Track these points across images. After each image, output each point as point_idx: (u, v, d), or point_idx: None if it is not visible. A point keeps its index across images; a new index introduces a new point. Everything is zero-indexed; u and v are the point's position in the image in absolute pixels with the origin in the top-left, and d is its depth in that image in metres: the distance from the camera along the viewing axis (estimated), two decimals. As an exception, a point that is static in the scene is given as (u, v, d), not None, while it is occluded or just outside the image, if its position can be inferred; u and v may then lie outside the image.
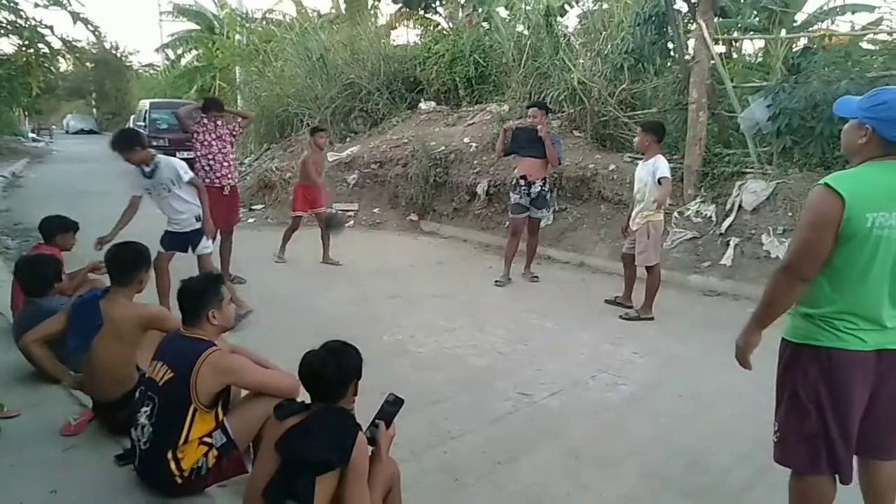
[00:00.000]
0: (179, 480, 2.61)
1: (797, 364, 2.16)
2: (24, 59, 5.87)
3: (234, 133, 6.62)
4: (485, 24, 13.56)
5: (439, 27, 16.08)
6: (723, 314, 5.83)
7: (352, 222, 9.85)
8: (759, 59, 10.89)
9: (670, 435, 3.57)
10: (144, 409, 2.67)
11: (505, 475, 3.13)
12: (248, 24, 18.71)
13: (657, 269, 5.59)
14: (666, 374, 4.45)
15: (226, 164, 6.39)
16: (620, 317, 5.58)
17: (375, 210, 10.13)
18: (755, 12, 10.80)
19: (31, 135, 29.30)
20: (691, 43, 7.94)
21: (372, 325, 5.20)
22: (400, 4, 16.03)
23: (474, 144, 9.65)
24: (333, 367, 2.20)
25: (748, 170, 7.31)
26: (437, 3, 16.17)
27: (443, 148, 9.79)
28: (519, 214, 6.66)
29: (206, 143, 6.33)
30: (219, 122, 6.44)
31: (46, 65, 6.46)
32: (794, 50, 8.91)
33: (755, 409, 3.72)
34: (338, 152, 11.25)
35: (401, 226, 9.73)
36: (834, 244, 2.02)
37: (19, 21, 5.85)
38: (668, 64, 9.05)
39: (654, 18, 8.09)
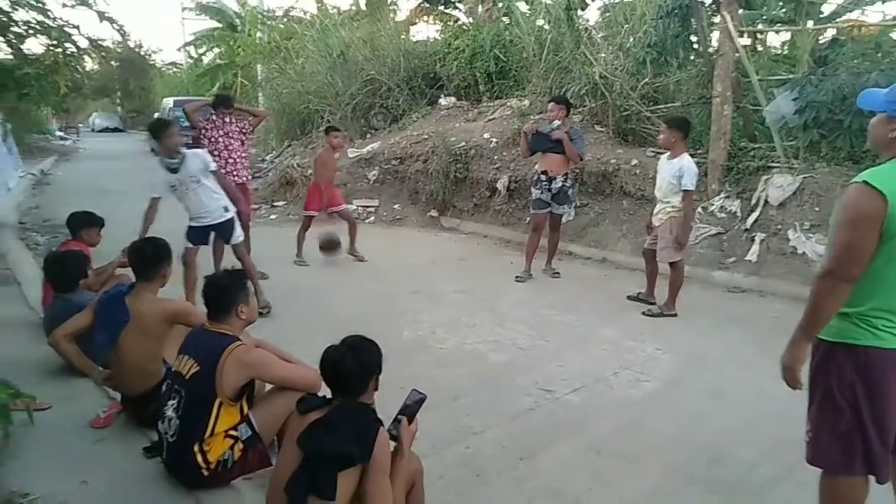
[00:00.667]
0: (206, 473, 2.65)
1: (832, 363, 2.12)
2: (52, 58, 5.97)
3: (245, 130, 6.64)
4: (505, 19, 13.50)
5: (459, 22, 16.05)
6: (748, 311, 5.76)
7: (372, 218, 9.90)
8: (785, 52, 10.69)
9: (693, 432, 3.54)
10: (171, 402, 2.72)
11: (526, 471, 3.13)
12: (269, 22, 18.85)
13: (680, 265, 5.53)
14: (689, 371, 4.40)
15: (231, 160, 6.43)
16: (643, 313, 5.53)
17: (396, 206, 10.16)
18: (781, 3, 10.60)
19: (58, 133, 29.86)
20: (715, 35, 7.82)
21: (393, 321, 5.22)
22: (420, 0, 16.02)
23: (494, 140, 9.63)
24: (353, 362, 2.21)
25: (774, 164, 7.20)
26: (457, -2, 16.15)
27: (463, 143, 9.78)
28: (540, 210, 6.63)
29: (213, 139, 6.38)
30: (227, 119, 6.48)
31: (73, 64, 6.55)
32: (821, 41, 8.72)
33: (781, 407, 3.66)
34: (358, 148, 11.31)
35: (421, 222, 9.75)
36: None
37: (47, 21, 5.94)
38: (692, 57, 8.93)
39: (677, 11, 7.98)
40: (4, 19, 6.01)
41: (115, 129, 41.68)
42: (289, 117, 14.49)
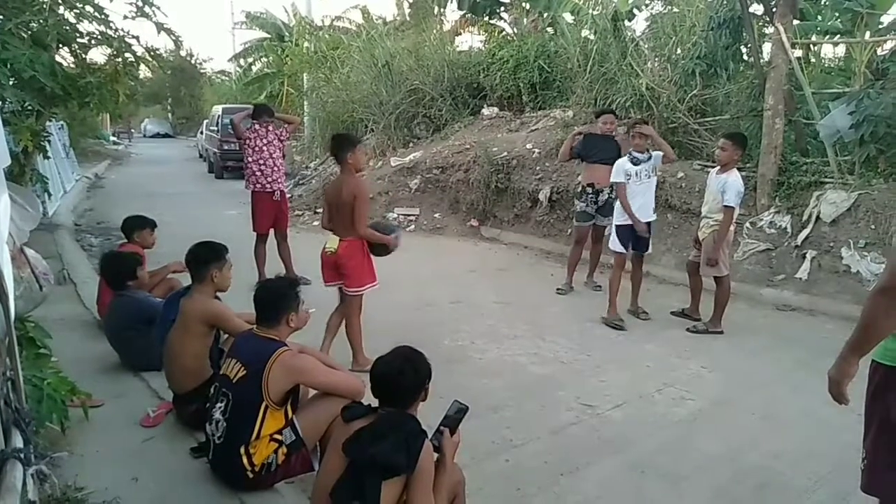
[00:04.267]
0: (250, 475, 2.71)
1: (890, 388, 2.04)
2: (113, 68, 6.20)
3: (283, 138, 6.76)
4: (549, 30, 13.47)
5: (503, 33, 16.08)
6: (798, 330, 5.59)
7: (412, 227, 9.96)
8: (841, 64, 10.37)
9: (741, 454, 3.44)
10: (219, 404, 2.78)
11: (567, 487, 3.09)
12: (316, 32, 19.22)
13: (726, 280, 5.39)
14: (736, 390, 4.29)
15: (276, 168, 6.55)
16: (688, 329, 5.41)
17: (436, 215, 10.20)
18: (837, 14, 10.30)
19: (111, 138, 31.01)
20: (767, 47, 7.64)
21: (432, 330, 5.23)
22: (465, 11, 16.12)
23: (537, 150, 9.59)
24: (412, 373, 2.23)
25: (827, 179, 6.97)
26: (502, 9, 16.17)
27: (505, 154, 9.77)
28: (584, 222, 6.57)
29: (257, 148, 6.49)
30: (270, 128, 6.61)
31: (132, 73, 6.79)
32: (879, 53, 8.44)
33: (833, 430, 3.56)
34: (400, 157, 11.41)
35: (461, 231, 9.77)
36: None
37: (109, 32, 6.18)
38: (742, 69, 8.74)
39: (728, 22, 7.83)
40: (69, 30, 6.26)
41: (166, 135, 43.08)
42: (333, 126, 14.71)
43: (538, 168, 9.36)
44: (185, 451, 3.03)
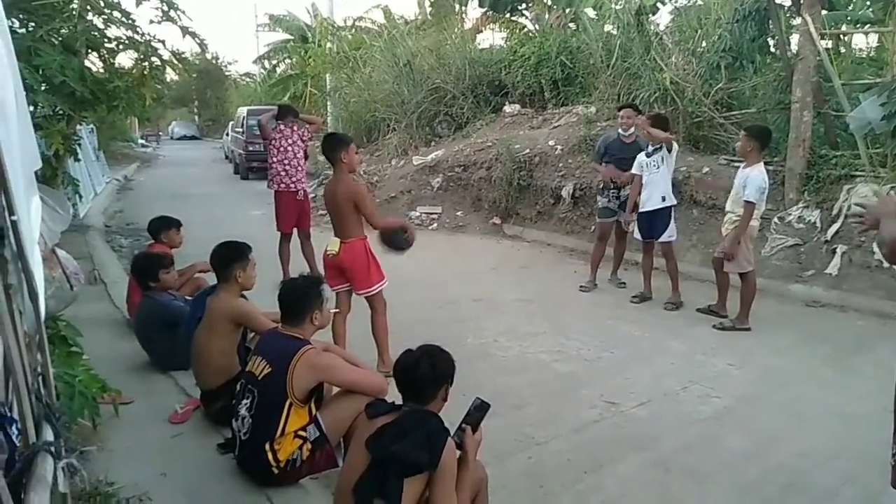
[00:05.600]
0: (276, 471, 2.75)
1: None
2: (140, 72, 6.32)
3: (305, 139, 6.82)
4: (572, 26, 13.38)
5: (525, 30, 16.02)
6: (827, 327, 5.47)
7: (435, 225, 9.98)
8: (872, 54, 10.13)
9: (767, 452, 3.39)
10: (245, 401, 2.83)
11: (591, 484, 3.08)
12: (338, 33, 19.35)
13: (752, 276, 5.31)
14: (763, 388, 4.22)
15: (300, 168, 6.62)
16: (714, 326, 5.34)
17: (459, 213, 10.21)
18: (868, 3, 10.06)
19: (140, 141, 31.57)
20: (795, 38, 7.50)
21: (455, 328, 5.24)
22: (486, 8, 16.08)
23: (560, 147, 9.54)
24: (427, 367, 2.25)
25: (858, 173, 6.82)
26: (524, 5, 16.10)
27: (527, 151, 9.73)
28: (607, 219, 6.52)
29: (282, 148, 6.57)
30: (294, 129, 6.67)
31: (158, 76, 6.90)
32: (912, 43, 8.22)
33: (862, 428, 3.49)
34: (422, 156, 11.44)
35: (484, 229, 9.76)
36: None
37: (136, 37, 6.29)
38: (769, 61, 8.59)
39: (754, 14, 7.70)
40: (97, 36, 6.37)
41: (192, 137, 43.74)
42: (356, 126, 14.82)
43: (561, 165, 9.31)
44: (213, 447, 3.08)
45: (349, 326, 4.37)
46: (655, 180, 5.84)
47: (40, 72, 4.98)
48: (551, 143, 9.73)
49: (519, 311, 5.84)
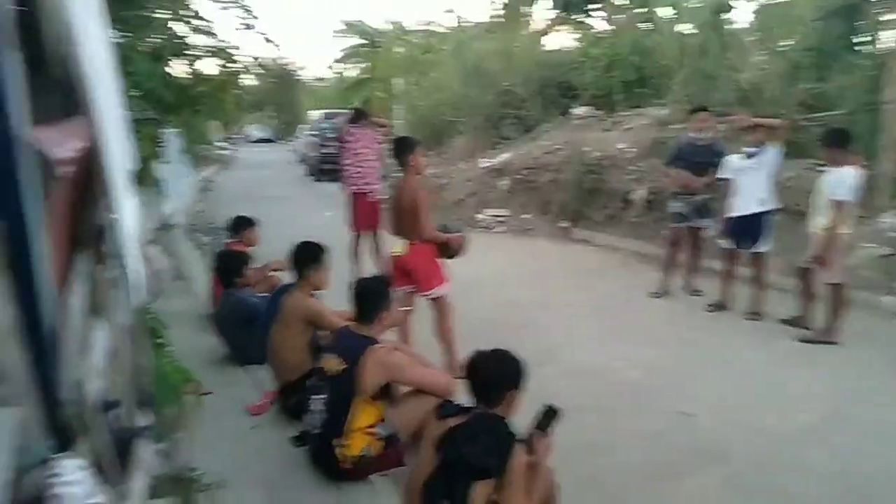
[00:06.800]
0: (346, 466, 2.82)
1: None
2: (222, 77, 6.63)
3: (378, 141, 6.93)
4: (646, 25, 13.06)
5: (596, 31, 15.77)
6: (922, 342, 5.12)
7: (502, 228, 9.96)
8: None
9: (850, 473, 3.20)
10: (317, 397, 2.92)
11: (662, 495, 3.00)
12: (408, 37, 19.63)
13: (841, 286, 5.02)
14: (847, 405, 3.99)
15: (372, 170, 6.74)
16: (798, 339, 5.09)
17: (526, 216, 10.14)
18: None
19: (220, 144, 32.92)
20: (887, 35, 7.06)
21: (519, 331, 5.20)
22: (558, 10, 15.92)
23: (632, 150, 9.33)
24: (498, 370, 2.26)
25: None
26: (596, 6, 15.85)
27: (597, 154, 9.58)
28: (680, 224, 6.32)
29: (355, 151, 6.72)
30: (368, 132, 6.80)
31: (238, 82, 7.23)
32: None
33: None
34: (489, 158, 11.44)
35: (551, 232, 9.65)
36: None
37: (218, 45, 6.61)
38: (857, 60, 8.12)
39: (841, 10, 7.30)
40: (182, 44, 6.72)
41: (268, 140, 45.30)
42: (423, 129, 14.99)
43: (632, 168, 9.10)
44: (287, 439, 3.19)
45: (416, 327, 4.43)
46: (751, 183, 5.49)
47: (132, 79, 5.31)
48: (622, 145, 9.53)
49: (586, 316, 5.74)
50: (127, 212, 1.70)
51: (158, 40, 6.41)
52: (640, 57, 11.41)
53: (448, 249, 4.33)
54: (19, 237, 1.06)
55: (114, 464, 1.28)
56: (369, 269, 6.25)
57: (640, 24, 13.34)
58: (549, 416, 2.33)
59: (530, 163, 10.54)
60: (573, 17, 16.06)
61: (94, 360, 1.31)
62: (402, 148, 4.36)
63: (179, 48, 6.67)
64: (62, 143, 1.27)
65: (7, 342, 1.01)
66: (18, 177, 1.03)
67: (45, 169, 1.15)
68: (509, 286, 6.77)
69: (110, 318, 1.39)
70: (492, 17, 17.49)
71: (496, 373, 2.26)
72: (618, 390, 4.19)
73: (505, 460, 2.11)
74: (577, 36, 16.16)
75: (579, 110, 12.05)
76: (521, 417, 2.35)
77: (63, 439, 1.14)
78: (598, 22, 16.20)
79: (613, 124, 10.93)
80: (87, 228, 1.43)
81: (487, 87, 13.19)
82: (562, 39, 17.09)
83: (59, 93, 1.35)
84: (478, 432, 2.15)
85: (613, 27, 14.69)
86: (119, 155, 1.61)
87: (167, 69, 6.33)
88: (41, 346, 1.08)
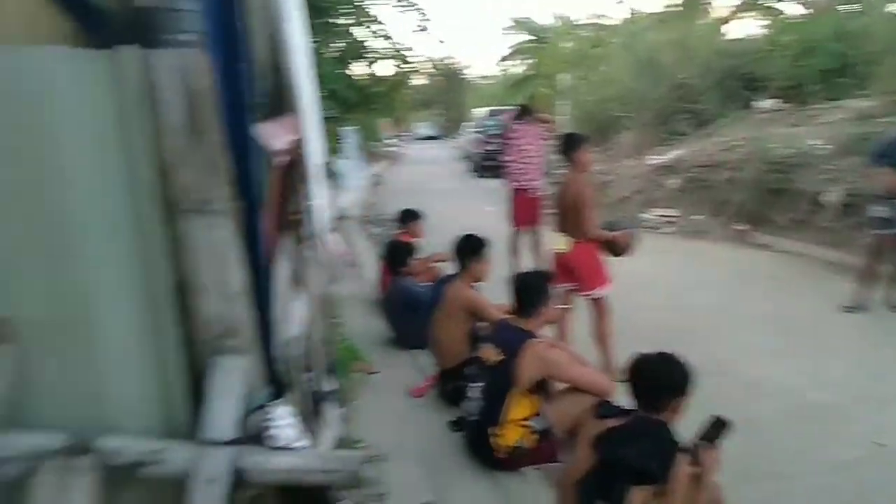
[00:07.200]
0: (499, 456, 2.86)
1: None
2: (397, 78, 7.04)
3: (543, 138, 6.86)
4: (849, 6, 11.61)
5: (787, 16, 14.32)
6: None
7: (670, 229, 9.44)
8: None
9: None
10: (475, 385, 2.99)
11: (849, 533, 2.67)
12: (576, 32, 19.28)
13: None
14: None
15: (535, 167, 6.70)
16: None
17: (697, 217, 9.51)
18: None
19: (388, 141, 34.84)
20: None
21: (688, 338, 4.88)
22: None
23: (826, 147, 8.35)
24: (663, 374, 2.17)
25: None
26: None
27: (784, 151, 8.69)
28: (883, 230, 5.55)
29: (519, 147, 6.71)
30: (531, 128, 6.76)
31: (408, 83, 7.63)
32: None
33: None
34: (658, 155, 10.89)
35: (725, 235, 8.95)
36: None
37: (394, 47, 7.02)
38: None
39: None
40: (362, 48, 7.21)
41: (434, 137, 47.03)
42: (589, 124, 14.65)
43: (826, 167, 8.15)
44: (445, 423, 3.31)
45: (574, 326, 4.36)
46: None
47: (319, 80, 5.84)
48: (815, 142, 8.56)
49: (764, 327, 5.26)
50: (320, 200, 1.89)
51: (342, 44, 6.95)
52: (841, 43, 10.16)
53: (615, 247, 4.17)
54: (251, 216, 1.26)
55: (310, 419, 1.45)
56: (527, 264, 6.25)
57: (841, 7, 11.88)
58: (717, 427, 2.18)
59: (704, 160, 9.85)
60: (760, 2, 14.73)
61: (295, 327, 1.49)
62: (570, 144, 4.29)
63: (360, 51, 7.20)
64: (278, 136, 1.45)
65: (240, 301, 1.20)
66: (252, 165, 1.22)
67: (266, 158, 1.34)
68: (676, 289, 6.41)
69: (308, 292, 1.57)
70: (667, 6, 16.62)
71: (663, 376, 2.16)
72: (800, 411, 3.79)
73: (666, 467, 2.01)
74: (766, 22, 14.81)
75: (764, 103, 11.03)
76: (685, 427, 2.22)
77: (277, 390, 1.34)
78: (790, 6, 14.72)
79: (806, 118, 9.87)
80: (291, 211, 1.62)
81: (660, 80, 12.55)
82: (746, 27, 15.78)
83: (275, 92, 1.55)
84: (639, 436, 2.07)
85: (810, 10, 13.24)
86: (315, 149, 1.79)
87: (348, 71, 6.84)
88: (263, 307, 1.28)
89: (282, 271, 1.45)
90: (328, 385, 1.65)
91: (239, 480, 1.32)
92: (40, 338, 1.37)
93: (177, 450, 1.34)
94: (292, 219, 1.55)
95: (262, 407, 1.26)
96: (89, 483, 1.26)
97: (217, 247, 1.34)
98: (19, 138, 1.35)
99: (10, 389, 1.29)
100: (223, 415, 1.32)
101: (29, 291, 1.38)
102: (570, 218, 4.20)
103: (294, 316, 1.45)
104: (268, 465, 1.36)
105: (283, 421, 1.28)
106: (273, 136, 1.37)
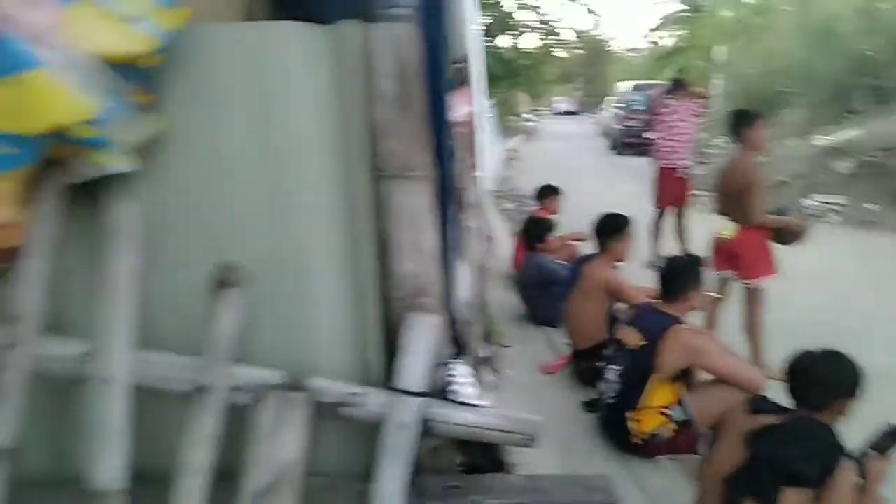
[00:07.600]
0: (636, 441, 2.80)
1: None
2: (543, 51, 6.93)
3: (696, 114, 6.42)
4: None
5: None
6: None
7: (836, 218, 8.54)
8: None
9: None
10: (614, 367, 2.93)
11: None
12: (738, -1, 17.76)
13: None
14: None
15: (686, 144, 6.31)
16: None
17: (870, 206, 8.51)
18: None
19: (524, 115, 34.42)
20: None
21: (850, 339, 4.31)
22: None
23: None
24: (829, 372, 2.01)
25: None
26: None
27: None
28: None
29: (670, 123, 6.35)
30: (685, 103, 6.35)
31: (553, 56, 7.48)
32: None
33: None
34: (828, 136, 9.84)
35: (901, 227, 7.96)
36: None
37: (542, 19, 6.91)
38: None
39: None
40: (509, 21, 7.15)
41: (571, 113, 45.74)
42: (747, 100, 13.51)
43: None
44: (579, 403, 3.29)
45: (723, 317, 4.11)
46: None
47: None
48: None
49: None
50: (484, 172, 1.95)
51: (489, 18, 6.95)
52: None
53: (784, 235, 3.81)
54: (443, 183, 1.36)
55: (477, 379, 1.54)
56: (670, 247, 5.96)
57: None
58: (891, 437, 1.98)
59: (886, 142, 8.75)
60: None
61: (463, 292, 1.59)
62: (741, 120, 3.87)
63: (506, 24, 7.16)
64: (457, 107, 1.53)
65: (432, 263, 1.30)
66: (446, 135, 1.30)
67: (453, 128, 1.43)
68: (841, 285, 5.82)
69: (469, 261, 1.65)
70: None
71: (831, 374, 1.99)
72: None
73: (828, 473, 1.86)
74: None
75: (964, 79, 9.57)
76: (851, 433, 2.04)
77: (457, 348, 1.47)
78: None
79: None
80: (457, 181, 1.71)
81: (836, 51, 11.25)
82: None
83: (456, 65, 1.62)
84: (799, 436, 1.93)
85: None
86: (481, 121, 1.85)
87: (495, 44, 6.84)
88: (447, 270, 1.38)
89: (451, 239, 1.53)
90: (484, 352, 1.72)
91: (426, 430, 1.47)
92: (262, 286, 1.54)
93: (373, 395, 1.50)
94: (458, 188, 1.61)
95: (445, 364, 1.36)
96: (302, 415, 1.45)
97: (415, 211, 1.47)
98: (257, 104, 1.52)
99: (239, 330, 1.47)
100: (415, 368, 1.46)
101: (254, 243, 1.56)
102: (735, 202, 3.82)
103: (461, 282, 1.52)
104: (452, 418, 1.50)
105: (465, 379, 1.39)
106: (455, 106, 1.45)
